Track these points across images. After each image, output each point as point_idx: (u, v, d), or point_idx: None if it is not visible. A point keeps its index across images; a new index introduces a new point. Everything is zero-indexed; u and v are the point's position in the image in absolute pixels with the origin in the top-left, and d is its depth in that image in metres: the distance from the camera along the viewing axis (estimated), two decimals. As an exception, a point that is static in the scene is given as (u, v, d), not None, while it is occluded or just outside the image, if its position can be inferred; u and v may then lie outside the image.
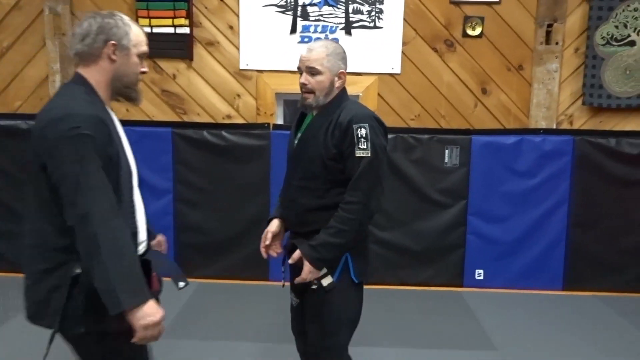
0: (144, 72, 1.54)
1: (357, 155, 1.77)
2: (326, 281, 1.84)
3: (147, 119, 3.92)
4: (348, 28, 3.82)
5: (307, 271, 1.81)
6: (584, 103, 3.83)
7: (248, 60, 3.88)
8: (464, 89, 3.86)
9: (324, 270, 1.84)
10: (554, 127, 3.83)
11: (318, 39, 3.85)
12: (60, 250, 1.40)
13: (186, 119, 3.96)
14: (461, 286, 3.85)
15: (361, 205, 1.77)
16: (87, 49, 1.44)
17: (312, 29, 3.84)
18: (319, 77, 1.82)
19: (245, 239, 3.76)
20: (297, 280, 1.83)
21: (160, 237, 1.87)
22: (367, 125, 1.77)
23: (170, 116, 3.94)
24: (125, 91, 1.54)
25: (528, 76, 3.83)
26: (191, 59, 3.87)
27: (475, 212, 3.80)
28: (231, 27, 3.87)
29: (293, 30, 3.84)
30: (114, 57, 1.46)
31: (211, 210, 3.84)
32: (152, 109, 3.95)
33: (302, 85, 1.85)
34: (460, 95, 3.87)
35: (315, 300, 1.89)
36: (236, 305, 3.44)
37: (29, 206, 1.46)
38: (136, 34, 1.50)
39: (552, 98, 3.81)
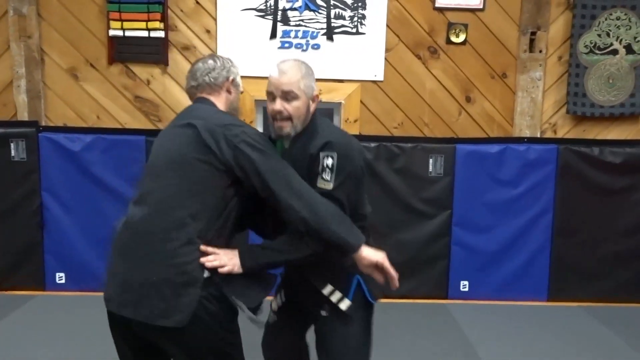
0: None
1: (318, 185, 1.62)
2: (344, 304, 1.71)
3: (119, 126, 3.74)
4: (330, 34, 3.71)
5: (226, 256, 1.59)
6: (567, 112, 3.80)
7: (226, 65, 3.74)
8: (448, 97, 3.80)
9: (331, 290, 1.72)
10: (538, 135, 3.80)
11: (299, 45, 3.74)
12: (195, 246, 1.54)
13: (161, 126, 3.77)
14: (446, 298, 3.77)
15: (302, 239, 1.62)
16: (213, 81, 1.73)
17: (292, 34, 3.72)
18: (295, 103, 1.64)
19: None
20: (211, 260, 1.58)
21: None
22: (335, 154, 1.61)
23: (143, 124, 3.76)
24: (235, 115, 1.79)
25: (512, 84, 3.79)
26: (166, 64, 3.71)
27: (459, 222, 3.73)
28: (208, 31, 3.72)
29: (273, 35, 3.71)
30: (231, 90, 1.78)
31: (187, 221, 3.67)
32: (124, 116, 3.77)
33: (277, 113, 1.65)
34: (443, 103, 3.80)
35: (327, 325, 1.76)
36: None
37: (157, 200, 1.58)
38: (239, 75, 1.84)
39: (535, 106, 3.77)
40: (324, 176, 1.62)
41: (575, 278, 3.77)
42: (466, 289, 3.79)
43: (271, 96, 1.68)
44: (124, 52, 3.65)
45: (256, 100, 3.79)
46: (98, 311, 3.24)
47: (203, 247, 1.53)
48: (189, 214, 1.52)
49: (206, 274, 1.53)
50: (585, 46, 3.69)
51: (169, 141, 1.64)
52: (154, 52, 3.66)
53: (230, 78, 1.77)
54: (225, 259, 1.56)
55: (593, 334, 3.28)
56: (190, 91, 1.77)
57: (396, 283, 1.62)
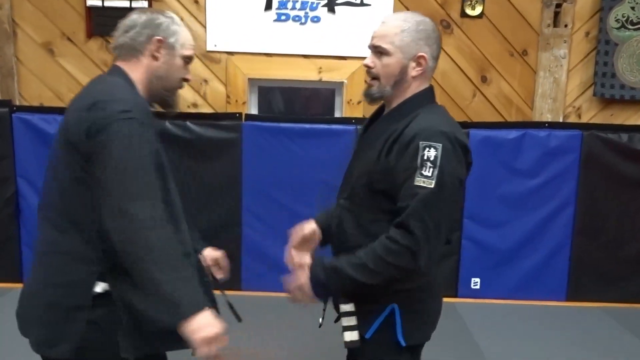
0: (186, 80, 1.42)
1: (415, 183, 1.27)
2: (350, 336, 1.37)
3: (100, 107, 3.44)
4: (331, 5, 3.37)
5: (299, 282, 1.36)
6: (594, 94, 3.47)
7: (216, 40, 3.41)
8: (462, 77, 3.47)
9: (348, 311, 1.37)
10: (561, 120, 3.47)
11: (297, 17, 3.39)
12: (85, 261, 1.26)
13: (145, 107, 3.48)
14: (455, 296, 3.49)
15: (406, 252, 1.27)
16: (129, 42, 1.33)
17: (289, 5, 3.37)
18: (385, 59, 1.36)
19: (213, 245, 3.31)
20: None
21: (214, 254, 1.60)
22: (440, 145, 1.27)
23: (126, 104, 3.45)
24: (163, 94, 1.41)
25: (533, 63, 3.45)
26: (150, 38, 3.38)
27: (470, 215, 3.42)
28: (196, 2, 3.39)
29: (268, 6, 3.37)
30: (157, 54, 1.35)
31: (174, 212, 3.39)
32: (105, 95, 3.46)
33: (366, 69, 1.42)
34: (456, 84, 3.46)
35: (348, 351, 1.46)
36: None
37: (46, 207, 1.33)
38: (185, 36, 1.39)
39: (559, 88, 3.43)
40: (423, 172, 1.27)
41: (596, 279, 3.47)
42: (477, 287, 3.51)
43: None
44: (103, 24, 3.32)
45: (249, 79, 3.47)
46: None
47: None
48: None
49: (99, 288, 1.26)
50: (617, 20, 3.34)
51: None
52: (136, 25, 3.33)
53: (156, 38, 1.33)
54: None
55: (613, 338, 3.03)
56: (114, 53, 1.39)
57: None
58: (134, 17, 1.36)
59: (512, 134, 3.36)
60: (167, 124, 3.29)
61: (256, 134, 3.33)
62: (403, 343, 1.36)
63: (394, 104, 1.40)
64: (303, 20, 3.39)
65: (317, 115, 3.86)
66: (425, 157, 1.27)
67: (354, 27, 3.38)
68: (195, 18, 3.39)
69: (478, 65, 3.46)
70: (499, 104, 3.51)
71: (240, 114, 3.35)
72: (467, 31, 3.41)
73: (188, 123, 3.31)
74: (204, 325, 1.16)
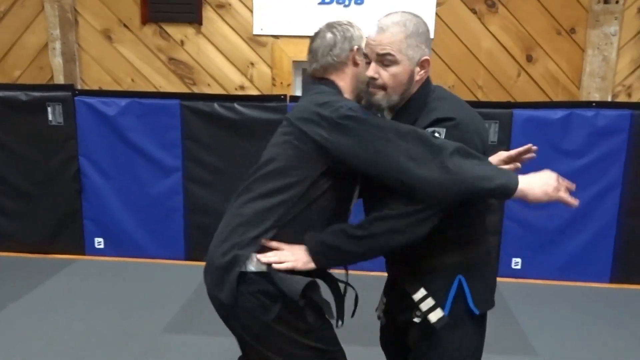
0: (373, 79, 1.38)
1: None
2: (435, 316, 1.37)
3: (154, 89, 3.62)
4: (374, -13, 3.40)
5: (290, 252, 1.37)
6: (646, 72, 3.36)
7: (263, 24, 3.51)
8: (506, 56, 3.43)
9: (423, 296, 1.39)
10: (609, 99, 3.40)
11: (341, 0, 3.43)
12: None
13: (196, 90, 3.64)
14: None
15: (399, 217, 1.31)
16: (335, 59, 1.46)
17: (333, -13, 3.43)
18: (394, 69, 1.32)
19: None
20: (269, 256, 1.38)
21: None
22: (443, 130, 1.29)
23: (178, 87, 3.63)
24: (365, 94, 1.45)
25: (581, 41, 3.37)
26: (200, 24, 3.52)
27: (514, 195, 3.41)
28: (243, -13, 3.51)
29: (313, -11, 3.44)
30: (358, 61, 1.47)
31: (223, 190, 3.54)
32: (158, 79, 3.64)
33: (371, 79, 1.36)
34: (501, 63, 3.44)
35: (420, 338, 1.44)
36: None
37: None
38: (363, 36, 1.48)
39: (608, 66, 3.34)
40: None
41: (643, 261, 3.40)
42: (519, 267, 3.51)
43: (366, 59, 1.38)
44: (156, 11, 3.49)
45: (294, 62, 3.56)
46: (135, 277, 3.32)
47: (265, 241, 1.36)
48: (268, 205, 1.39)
49: (254, 267, 1.37)
50: (672, -5, 3.21)
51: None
52: (187, 11, 3.49)
53: (355, 47, 1.47)
54: (287, 255, 1.35)
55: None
56: (314, 73, 1.52)
57: (574, 202, 1.34)
58: (329, 36, 1.48)
59: (558, 113, 3.30)
60: (216, 105, 3.45)
61: (301, 115, 3.43)
62: (476, 311, 1.39)
63: (399, 104, 1.40)
64: (347, 2, 3.44)
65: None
66: None
67: (397, 8, 3.39)
68: (243, 3, 3.50)
69: (524, 44, 3.42)
70: (545, 84, 3.46)
71: (286, 95, 3.43)
72: (513, 10, 3.37)
73: (236, 105, 3.44)
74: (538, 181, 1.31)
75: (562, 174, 3.55)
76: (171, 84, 3.63)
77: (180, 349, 2.55)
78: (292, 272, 1.35)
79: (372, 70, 1.34)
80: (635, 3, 3.32)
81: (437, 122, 1.30)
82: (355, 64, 1.47)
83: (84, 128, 3.56)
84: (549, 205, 3.51)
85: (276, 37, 3.52)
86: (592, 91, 3.38)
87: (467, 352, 1.43)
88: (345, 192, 1.42)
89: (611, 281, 3.46)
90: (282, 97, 3.43)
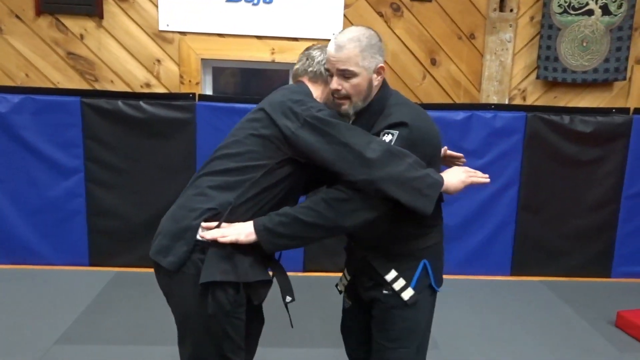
0: (337, 90, 1.55)
1: None
2: (407, 294, 1.60)
3: (51, 85, 3.40)
4: (283, -14, 3.39)
5: (233, 228, 1.43)
6: (538, 77, 3.58)
7: (169, 20, 3.39)
8: (412, 59, 3.53)
9: (395, 277, 1.59)
10: (506, 102, 3.57)
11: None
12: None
13: (98, 86, 3.46)
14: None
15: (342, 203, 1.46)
16: (321, 71, 1.61)
17: (241, -15, 3.38)
18: (354, 80, 1.51)
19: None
20: (205, 225, 1.44)
21: None
22: (396, 132, 1.46)
23: (78, 83, 3.42)
24: (333, 105, 1.60)
25: (480, 46, 3.53)
26: (101, 17, 3.35)
27: (420, 193, 3.52)
28: (148, -19, 3.37)
29: (221, -14, 3.37)
30: (329, 80, 1.58)
31: (127, 192, 3.40)
32: (55, 74, 3.42)
33: (335, 91, 1.54)
34: (407, 65, 3.53)
35: (387, 312, 1.64)
36: (154, 299, 3.05)
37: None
38: None
39: (504, 71, 3.52)
40: None
41: (539, 254, 3.62)
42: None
43: (329, 73, 1.55)
44: (52, 2, 3.27)
45: (203, 59, 3.47)
46: (30, 286, 3.09)
47: (204, 224, 1.43)
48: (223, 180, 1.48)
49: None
50: (559, 5, 3.44)
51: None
52: (86, 3, 3.29)
53: (329, 70, 1.61)
54: (230, 230, 1.43)
55: (554, 311, 3.15)
56: (298, 72, 1.67)
57: (486, 179, 1.64)
58: (318, 52, 1.64)
59: (460, 115, 3.45)
60: (120, 103, 3.29)
61: (210, 114, 3.35)
62: (437, 289, 1.66)
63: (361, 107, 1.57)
64: (255, 0, 3.40)
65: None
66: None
67: (306, 9, 3.40)
68: (147, -3, 3.38)
69: (427, 48, 3.53)
70: (448, 86, 3.59)
71: (194, 94, 3.35)
72: (417, 14, 3.46)
73: (141, 103, 3.31)
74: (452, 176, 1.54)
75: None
76: (70, 80, 3.42)
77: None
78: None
79: (335, 83, 1.52)
80: (527, 12, 3.52)
81: (391, 126, 1.47)
82: (327, 83, 1.61)
83: (-30, 126, 3.29)
84: (451, 202, 3.67)
85: (183, 33, 3.42)
86: (490, 94, 3.55)
87: (424, 325, 1.67)
88: (297, 183, 1.54)
89: (512, 274, 3.66)
90: (191, 95, 3.34)
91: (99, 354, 2.46)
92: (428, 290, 1.64)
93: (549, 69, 3.53)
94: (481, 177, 1.63)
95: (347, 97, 1.52)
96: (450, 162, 1.88)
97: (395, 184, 1.38)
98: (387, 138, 1.44)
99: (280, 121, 1.45)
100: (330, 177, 1.50)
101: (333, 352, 2.52)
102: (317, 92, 1.63)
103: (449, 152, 1.87)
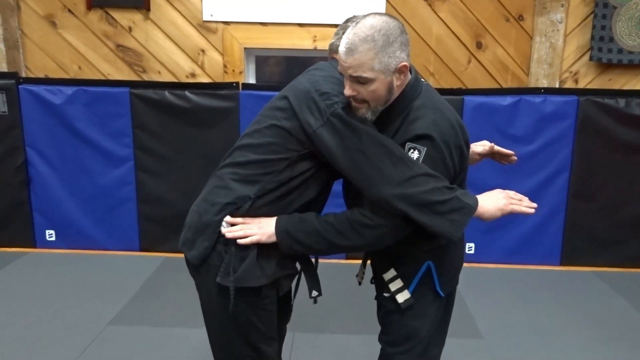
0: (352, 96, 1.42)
1: None
2: (402, 297, 1.48)
3: (101, 77, 3.53)
4: (325, -28, 3.36)
5: (256, 225, 1.39)
6: (591, 59, 3.41)
7: (212, 10, 3.44)
8: (456, 43, 3.44)
9: (392, 277, 1.49)
10: (557, 85, 3.43)
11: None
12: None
13: (145, 77, 3.56)
14: (449, 261, 3.55)
15: (377, 228, 1.36)
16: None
17: (283, -27, 3.38)
18: (370, 87, 1.30)
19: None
20: (230, 221, 1.41)
21: None
22: (424, 149, 1.32)
23: (127, 75, 3.54)
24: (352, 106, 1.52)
25: (529, 28, 3.40)
26: (148, 9, 3.43)
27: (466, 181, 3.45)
28: (192, -28, 3.42)
29: (263, -25, 3.39)
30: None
31: (174, 179, 3.50)
32: (106, 66, 3.54)
33: (350, 97, 1.35)
34: (451, 49, 3.44)
35: (386, 315, 1.56)
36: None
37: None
38: None
39: (555, 53, 3.38)
40: None
41: (590, 244, 3.49)
42: (472, 252, 3.57)
43: (342, 75, 1.36)
44: (102, -4, 3.39)
45: (246, 49, 3.51)
46: (86, 270, 3.26)
47: (229, 219, 1.39)
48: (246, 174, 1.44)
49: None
50: (616, -17, 3.26)
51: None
52: (134, -4, 3.39)
53: None
54: (253, 228, 1.38)
55: (606, 303, 3.04)
56: (332, 47, 1.54)
57: (530, 211, 1.48)
58: (368, 26, 1.45)
59: (508, 100, 3.34)
60: (167, 93, 3.38)
61: (253, 103, 3.38)
62: (442, 294, 1.51)
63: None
64: (297, -12, 3.40)
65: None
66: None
67: (348, -5, 3.38)
68: (192, -12, 3.44)
69: (473, 31, 3.43)
70: (495, 70, 3.49)
71: (238, 83, 3.39)
72: (462, -4, 3.38)
73: (187, 93, 3.39)
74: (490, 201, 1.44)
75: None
76: (119, 72, 3.54)
77: (124, 341, 2.51)
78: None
79: (349, 89, 1.32)
80: (581, -10, 3.37)
81: (416, 139, 1.33)
82: None
83: (29, 117, 3.46)
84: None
85: (226, 23, 3.46)
86: (540, 78, 3.42)
87: (425, 332, 1.53)
88: (321, 179, 1.45)
89: (561, 264, 3.54)
90: (234, 84, 3.38)
91: (150, 335, 2.56)
92: (431, 295, 1.50)
93: (604, 50, 3.36)
94: (526, 207, 1.45)
95: (365, 101, 1.33)
96: (499, 159, 1.73)
97: (414, 205, 1.29)
98: (414, 155, 1.32)
99: (303, 116, 1.36)
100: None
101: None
102: None
103: (497, 148, 1.69)
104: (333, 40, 1.52)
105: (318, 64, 1.52)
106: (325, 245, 1.38)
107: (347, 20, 1.50)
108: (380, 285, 1.54)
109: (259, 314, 1.45)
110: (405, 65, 1.32)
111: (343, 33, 1.38)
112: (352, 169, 1.33)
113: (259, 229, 1.38)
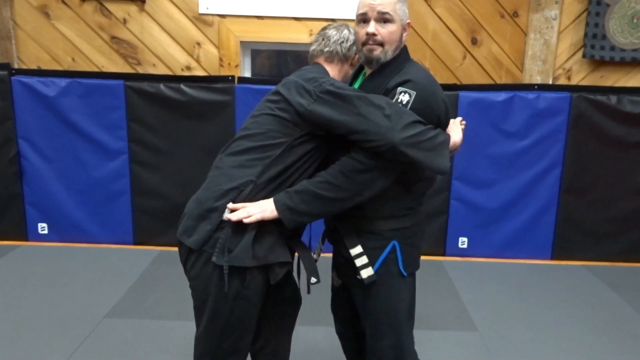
0: (373, 35, 1.55)
1: None
2: (366, 273, 1.54)
3: (96, 69, 3.50)
4: (322, -34, 3.36)
5: (257, 206, 1.45)
6: (584, 56, 3.45)
7: (208, 3, 3.43)
8: (452, 39, 3.45)
9: (359, 253, 1.55)
10: (550, 82, 3.47)
11: (288, -22, 3.38)
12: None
13: (140, 70, 3.53)
14: (443, 255, 3.58)
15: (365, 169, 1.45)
16: (342, 52, 1.64)
17: (280, -34, 3.37)
18: (390, 27, 1.51)
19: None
20: (231, 207, 1.46)
21: None
22: (414, 92, 1.44)
23: (121, 67, 3.51)
24: (362, 53, 1.62)
25: (523, 24, 3.42)
26: (143, 1, 3.41)
27: (459, 176, 3.48)
28: (188, -36, 3.40)
29: (259, -32, 3.37)
30: (354, 63, 1.68)
31: (169, 172, 3.49)
32: (100, 58, 3.51)
33: (370, 36, 1.51)
34: (447, 45, 3.46)
35: (360, 292, 1.61)
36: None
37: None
38: None
39: (549, 50, 3.41)
40: None
41: (582, 238, 3.54)
42: (465, 246, 3.60)
43: (363, 18, 1.53)
44: (96, -13, 3.35)
45: (242, 42, 3.50)
46: (80, 263, 3.24)
47: (231, 205, 1.45)
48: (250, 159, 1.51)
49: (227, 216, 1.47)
50: (609, -20, 3.30)
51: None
52: (129, -12, 3.36)
53: (357, 54, 1.66)
54: (253, 209, 1.44)
55: (597, 297, 3.08)
56: (314, 53, 1.69)
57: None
58: (345, 32, 1.66)
59: (502, 96, 3.38)
60: (162, 86, 3.36)
61: (249, 96, 3.38)
62: (405, 274, 1.59)
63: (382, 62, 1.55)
64: (294, -18, 3.39)
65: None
66: (399, 100, 1.44)
67: (345, -11, 3.38)
68: (187, -20, 3.41)
69: (469, 27, 3.45)
70: (489, 66, 3.51)
71: (233, 76, 3.38)
72: (458, -8, 3.40)
73: (182, 86, 3.37)
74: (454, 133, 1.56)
75: (505, 154, 3.65)
76: (114, 64, 3.51)
77: (121, 334, 2.50)
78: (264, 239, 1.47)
79: (373, 26, 1.50)
80: (574, -12, 3.40)
81: (407, 83, 1.46)
82: (352, 65, 1.68)
83: (21, 109, 3.42)
84: (493, 185, 3.60)
85: (222, 16, 3.44)
86: (534, 74, 3.45)
87: (392, 311, 1.59)
88: (319, 160, 1.54)
89: (552, 258, 3.59)
90: (230, 78, 3.37)
91: (146, 328, 2.56)
92: (395, 274, 1.57)
93: (596, 47, 3.40)
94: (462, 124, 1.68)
95: (381, 44, 1.50)
96: None
97: (414, 147, 1.39)
98: (405, 98, 1.43)
99: (294, 99, 1.46)
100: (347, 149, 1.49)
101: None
102: (333, 71, 1.64)
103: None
104: (314, 47, 1.67)
105: (303, 68, 1.64)
106: (328, 205, 1.46)
107: (324, 28, 1.68)
108: (350, 266, 1.58)
109: (239, 304, 1.49)
110: (409, 23, 1.56)
111: (322, 39, 1.64)
112: (353, 131, 1.41)
113: (260, 207, 1.44)
